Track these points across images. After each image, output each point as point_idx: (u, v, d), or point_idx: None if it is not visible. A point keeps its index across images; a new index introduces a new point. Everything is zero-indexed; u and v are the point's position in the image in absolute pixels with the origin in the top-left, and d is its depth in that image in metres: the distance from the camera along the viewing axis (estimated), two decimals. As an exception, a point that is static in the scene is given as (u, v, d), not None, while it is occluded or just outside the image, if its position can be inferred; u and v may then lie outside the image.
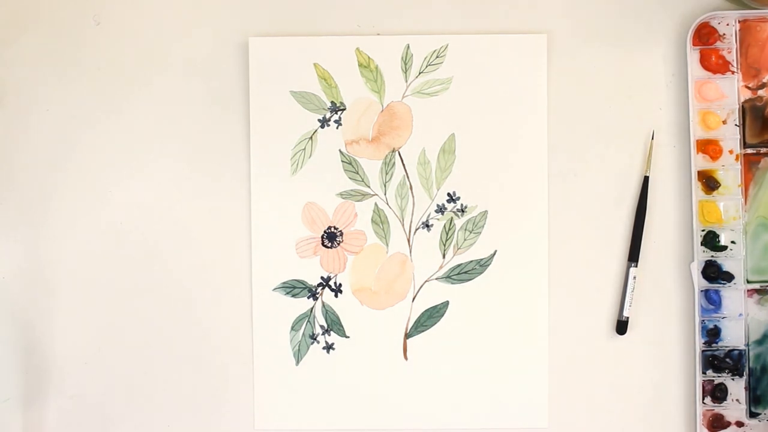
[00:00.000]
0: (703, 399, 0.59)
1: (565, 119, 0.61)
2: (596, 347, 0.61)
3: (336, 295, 0.61)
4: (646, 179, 0.60)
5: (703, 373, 0.59)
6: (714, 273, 0.59)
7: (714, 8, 0.60)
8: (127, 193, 0.62)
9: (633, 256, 0.60)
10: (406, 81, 0.61)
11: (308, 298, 0.61)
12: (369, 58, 0.61)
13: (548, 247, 0.60)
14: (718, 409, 0.59)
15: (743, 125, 0.60)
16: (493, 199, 0.61)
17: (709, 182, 0.60)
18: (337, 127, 0.61)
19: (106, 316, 0.61)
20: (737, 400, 0.59)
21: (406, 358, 0.61)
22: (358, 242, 0.61)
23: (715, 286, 0.60)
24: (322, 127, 0.61)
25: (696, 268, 0.60)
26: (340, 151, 0.61)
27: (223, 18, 0.62)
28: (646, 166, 0.60)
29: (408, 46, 0.61)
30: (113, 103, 0.62)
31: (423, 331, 0.61)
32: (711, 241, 0.60)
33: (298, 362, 0.61)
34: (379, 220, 0.61)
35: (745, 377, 0.59)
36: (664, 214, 0.61)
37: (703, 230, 0.60)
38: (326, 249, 0.61)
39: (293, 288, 0.61)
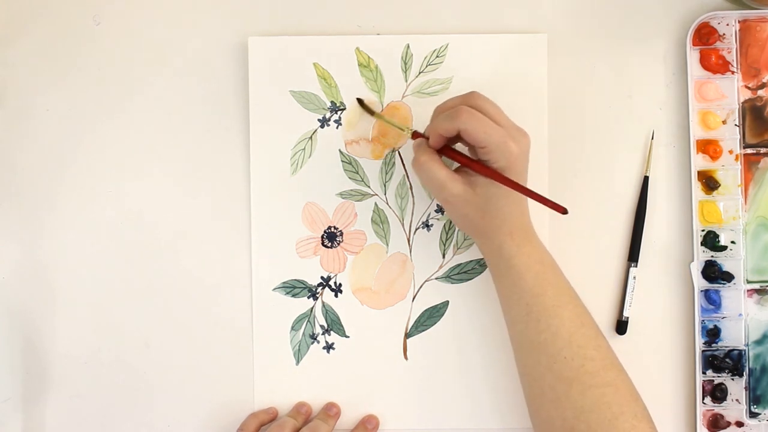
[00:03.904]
0: (703, 399, 0.59)
1: (565, 119, 0.61)
2: (596, 347, 0.61)
3: (336, 295, 0.61)
4: (646, 179, 0.60)
5: (703, 373, 0.59)
6: (714, 273, 0.59)
7: (714, 8, 0.60)
8: (126, 193, 0.62)
9: (633, 256, 0.60)
10: (406, 81, 0.61)
11: (308, 298, 0.61)
12: (369, 57, 0.61)
13: (548, 247, 0.60)
14: (718, 409, 0.59)
15: (743, 125, 0.60)
16: (493, 199, 0.60)
17: (709, 182, 0.60)
18: (337, 127, 0.61)
19: (106, 316, 0.61)
20: (737, 400, 0.59)
21: (406, 357, 0.61)
22: (358, 242, 0.61)
23: (715, 286, 0.60)
24: (322, 126, 0.61)
25: (696, 268, 0.60)
26: (340, 151, 0.61)
27: (222, 18, 0.62)
28: (646, 166, 0.60)
29: (408, 46, 0.61)
30: (113, 104, 0.62)
31: (423, 330, 0.61)
32: (711, 241, 0.60)
33: (298, 362, 0.61)
34: (379, 220, 0.61)
35: (745, 377, 0.59)
36: (664, 214, 0.61)
37: (703, 230, 0.60)
38: (326, 249, 0.61)
39: (293, 288, 0.61)
